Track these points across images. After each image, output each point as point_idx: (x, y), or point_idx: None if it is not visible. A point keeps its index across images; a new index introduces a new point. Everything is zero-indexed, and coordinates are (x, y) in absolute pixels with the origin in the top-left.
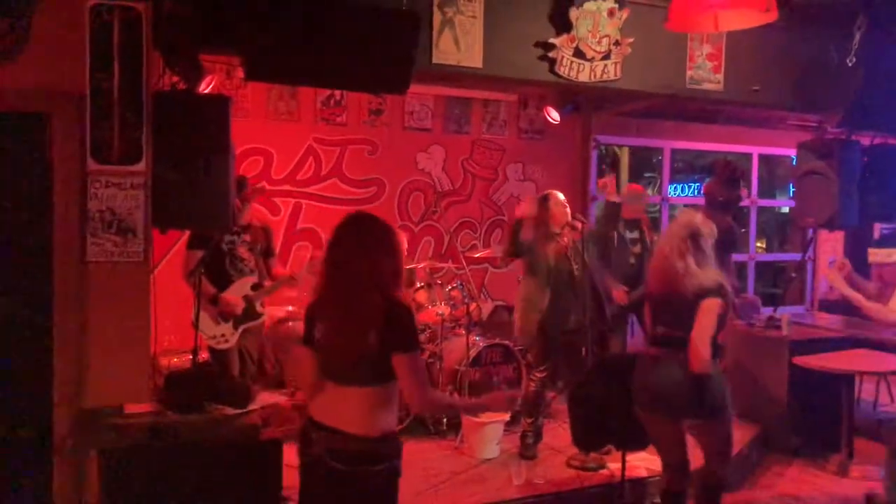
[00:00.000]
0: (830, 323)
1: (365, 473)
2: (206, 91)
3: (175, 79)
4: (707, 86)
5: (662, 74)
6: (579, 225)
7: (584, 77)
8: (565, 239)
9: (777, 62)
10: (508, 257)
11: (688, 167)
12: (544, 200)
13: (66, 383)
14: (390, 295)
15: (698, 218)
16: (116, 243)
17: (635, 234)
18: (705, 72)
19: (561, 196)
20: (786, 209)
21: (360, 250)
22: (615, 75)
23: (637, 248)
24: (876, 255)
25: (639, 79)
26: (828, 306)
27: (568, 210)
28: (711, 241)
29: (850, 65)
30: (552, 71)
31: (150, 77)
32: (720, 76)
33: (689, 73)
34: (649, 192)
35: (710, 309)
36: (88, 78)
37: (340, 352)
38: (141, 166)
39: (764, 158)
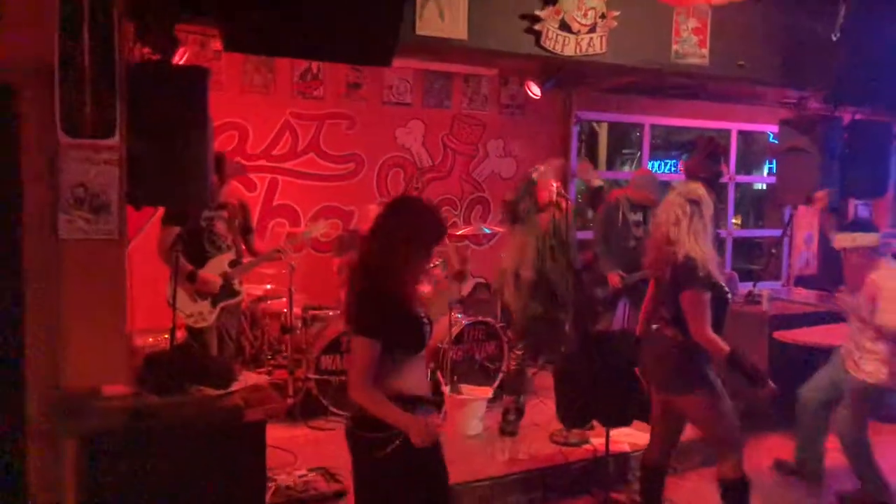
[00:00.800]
0: (807, 298)
1: (373, 441)
2: (179, 63)
3: (147, 50)
4: (692, 60)
5: (648, 48)
6: (564, 203)
7: (569, 50)
8: (548, 216)
9: (763, 37)
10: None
11: (665, 144)
12: (534, 175)
13: (40, 365)
14: (372, 280)
15: (700, 188)
16: (90, 220)
17: (639, 217)
18: (691, 46)
19: (545, 171)
20: (760, 185)
21: (372, 230)
22: (600, 49)
23: (639, 231)
24: (842, 240)
25: (624, 52)
26: (804, 282)
27: (554, 187)
28: (710, 212)
29: (834, 39)
30: (538, 44)
31: (124, 48)
32: (705, 51)
33: (674, 47)
34: (628, 168)
35: (690, 303)
36: (58, 48)
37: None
38: (114, 140)
39: (740, 135)
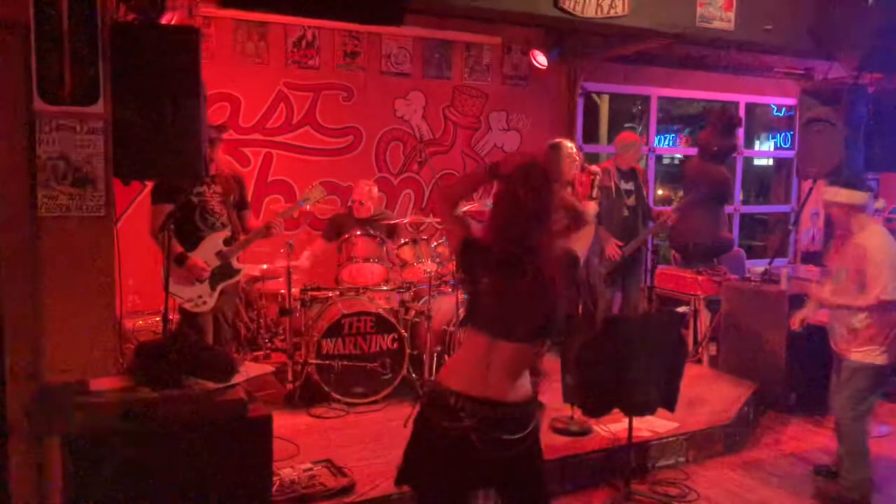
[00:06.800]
0: (819, 275)
1: (513, 441)
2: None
3: (133, 16)
4: (717, 24)
5: (672, 11)
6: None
7: (590, 12)
8: (579, 190)
9: (791, 1)
10: None
11: (665, 117)
12: (555, 150)
13: (20, 356)
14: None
15: None
16: (72, 196)
17: (630, 186)
18: (716, 9)
19: (571, 146)
20: (760, 161)
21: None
22: (623, 11)
23: (631, 200)
24: (827, 193)
25: (647, 15)
26: (810, 258)
27: (578, 162)
28: None
29: (869, 3)
30: (556, 5)
31: (106, 5)
32: (731, 14)
33: (699, 10)
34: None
35: None
36: (33, 5)
37: None
38: (98, 107)
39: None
